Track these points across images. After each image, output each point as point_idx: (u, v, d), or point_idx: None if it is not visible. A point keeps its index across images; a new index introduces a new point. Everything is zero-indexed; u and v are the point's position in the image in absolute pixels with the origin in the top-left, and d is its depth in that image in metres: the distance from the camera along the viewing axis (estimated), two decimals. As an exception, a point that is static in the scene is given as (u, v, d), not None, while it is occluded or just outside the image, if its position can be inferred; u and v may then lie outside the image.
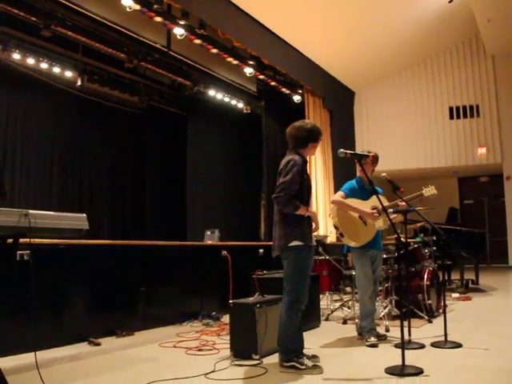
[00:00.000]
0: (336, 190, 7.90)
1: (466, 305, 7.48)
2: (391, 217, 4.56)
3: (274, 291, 4.65)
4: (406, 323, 4.62)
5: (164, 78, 11.91)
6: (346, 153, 3.93)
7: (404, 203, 4.77)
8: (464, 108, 15.06)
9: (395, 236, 4.03)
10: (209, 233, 8.16)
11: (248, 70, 10.23)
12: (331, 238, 10.17)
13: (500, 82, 14.83)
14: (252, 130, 11.98)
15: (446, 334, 4.65)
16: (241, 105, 12.11)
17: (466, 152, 14.98)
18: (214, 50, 9.29)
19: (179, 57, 9.23)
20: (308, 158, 4.11)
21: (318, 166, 12.02)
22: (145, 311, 5.86)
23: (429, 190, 4.88)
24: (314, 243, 4.01)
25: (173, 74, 10.59)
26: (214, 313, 6.41)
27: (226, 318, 6.13)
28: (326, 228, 11.43)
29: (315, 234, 4.09)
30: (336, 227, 4.85)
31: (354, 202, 4.88)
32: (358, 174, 5.11)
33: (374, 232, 4.90)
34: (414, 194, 4.92)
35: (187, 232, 12.25)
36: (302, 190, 3.86)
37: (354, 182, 5.07)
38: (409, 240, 7.32)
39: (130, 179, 13.12)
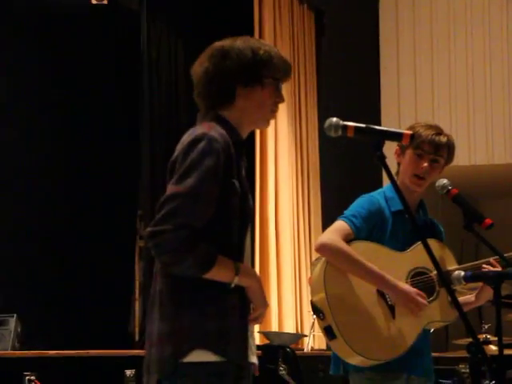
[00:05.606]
0: (326, 221, 6.00)
1: None
2: (461, 291, 3.11)
3: None
4: None
5: None
6: (346, 126, 2.11)
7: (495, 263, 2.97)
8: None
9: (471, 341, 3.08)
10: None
11: None
12: (318, 342, 6.33)
13: None
14: (119, 48, 7.62)
15: None
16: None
17: None
18: None
19: None
20: (251, 135, 3.08)
21: (281, 161, 6.65)
22: None
23: None
24: (254, 359, 2.29)
25: None
26: None
27: None
28: (296, 316, 6.53)
29: (257, 329, 3.37)
30: (317, 309, 3.07)
31: (375, 254, 3.10)
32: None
33: (414, 335, 3.08)
34: None
35: None
36: (226, 216, 2.22)
37: (378, 197, 3.23)
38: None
39: None
